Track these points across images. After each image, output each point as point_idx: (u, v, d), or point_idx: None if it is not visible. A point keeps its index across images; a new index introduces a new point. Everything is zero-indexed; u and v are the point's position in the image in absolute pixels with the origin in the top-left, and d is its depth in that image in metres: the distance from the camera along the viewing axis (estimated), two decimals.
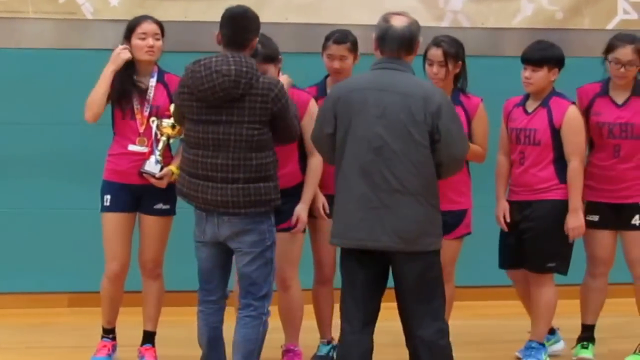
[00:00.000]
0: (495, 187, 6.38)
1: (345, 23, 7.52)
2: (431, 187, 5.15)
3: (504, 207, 6.26)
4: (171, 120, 5.97)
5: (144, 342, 6.29)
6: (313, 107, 6.02)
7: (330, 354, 6.35)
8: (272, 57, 5.89)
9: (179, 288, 6.67)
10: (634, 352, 6.47)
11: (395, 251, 5.11)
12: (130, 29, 6.07)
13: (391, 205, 5.07)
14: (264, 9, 7.72)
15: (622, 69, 6.22)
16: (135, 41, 6.05)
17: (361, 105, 5.12)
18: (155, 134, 6.05)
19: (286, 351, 6.31)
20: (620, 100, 6.32)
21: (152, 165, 6.02)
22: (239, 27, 5.40)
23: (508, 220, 6.25)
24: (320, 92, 6.28)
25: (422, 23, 7.69)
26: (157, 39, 6.07)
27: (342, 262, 5.30)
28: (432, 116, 5.07)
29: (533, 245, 6.19)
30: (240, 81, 5.28)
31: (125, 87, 6.03)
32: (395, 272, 5.19)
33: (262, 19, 7.85)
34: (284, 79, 5.77)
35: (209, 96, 5.31)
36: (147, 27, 6.06)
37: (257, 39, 5.47)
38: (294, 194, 6.03)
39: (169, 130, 6.03)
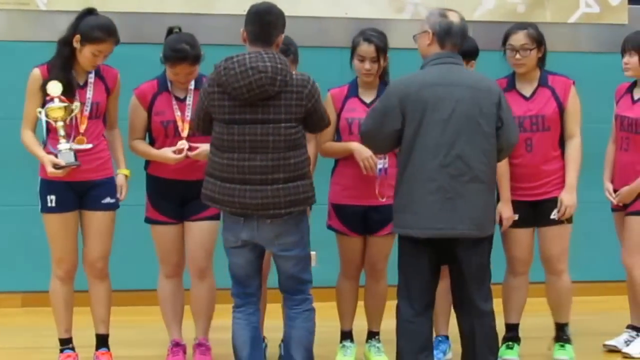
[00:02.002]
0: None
1: (304, 15, 7.50)
2: (495, 174, 5.52)
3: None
4: (57, 104, 5.78)
5: (98, 346, 6.17)
6: None
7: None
8: (200, 57, 5.98)
9: (127, 287, 6.56)
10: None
11: (469, 237, 5.38)
12: (90, 38, 5.80)
13: (465, 194, 5.35)
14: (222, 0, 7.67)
15: (517, 55, 6.19)
16: (87, 52, 5.82)
17: (434, 102, 5.33)
18: (48, 123, 5.82)
19: (198, 345, 6.25)
20: (527, 92, 6.27)
21: (67, 156, 5.79)
22: (265, 23, 5.32)
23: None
24: None
25: (383, 15, 7.87)
26: (106, 57, 5.89)
27: (407, 250, 5.46)
28: (496, 106, 5.40)
29: None
30: (276, 78, 5.20)
31: (69, 83, 5.83)
32: (458, 257, 5.44)
33: (219, 10, 7.86)
34: None
35: (245, 93, 5.20)
36: (107, 48, 5.85)
37: (283, 35, 5.38)
38: None
39: (60, 114, 5.79)
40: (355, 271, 6.36)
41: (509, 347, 6.41)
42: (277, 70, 5.21)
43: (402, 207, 5.44)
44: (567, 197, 6.23)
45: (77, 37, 5.82)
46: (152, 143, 6.15)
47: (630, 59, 6.44)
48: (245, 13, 7.20)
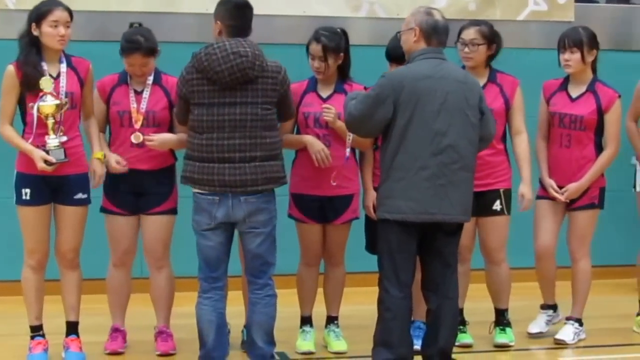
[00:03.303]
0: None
1: (266, 13, 7.66)
2: (476, 163, 5.82)
3: (374, 196, 6.31)
4: (50, 101, 5.91)
5: (68, 333, 6.29)
6: None
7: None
8: (154, 50, 6.17)
9: (96, 276, 6.69)
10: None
11: (457, 223, 5.72)
12: (41, 15, 5.95)
13: (455, 181, 5.66)
14: None
15: (466, 49, 6.46)
16: (46, 28, 5.94)
17: (427, 93, 5.64)
18: (39, 119, 5.93)
19: (160, 333, 6.45)
20: None
21: (57, 153, 5.94)
22: (246, 17, 5.65)
23: None
24: None
25: (339, 14, 8.00)
26: (68, 27, 5.98)
27: (396, 235, 5.69)
28: (479, 99, 5.76)
29: None
30: (255, 62, 5.52)
31: (36, 76, 5.93)
32: (440, 241, 5.76)
33: (182, 9, 7.96)
34: None
35: (226, 77, 5.49)
36: (60, 14, 5.96)
37: None
38: (166, 175, 6.29)
39: (51, 110, 5.92)
40: (315, 259, 6.53)
41: (462, 332, 6.62)
42: (255, 55, 5.52)
43: (393, 193, 5.67)
44: (528, 191, 6.51)
45: (33, 25, 5.95)
46: (110, 133, 6.34)
47: (572, 56, 6.58)
48: (207, 12, 7.40)
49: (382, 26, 6.91)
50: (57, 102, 5.93)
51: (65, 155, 5.96)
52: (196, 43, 6.31)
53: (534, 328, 6.84)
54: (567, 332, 6.77)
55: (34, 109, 5.92)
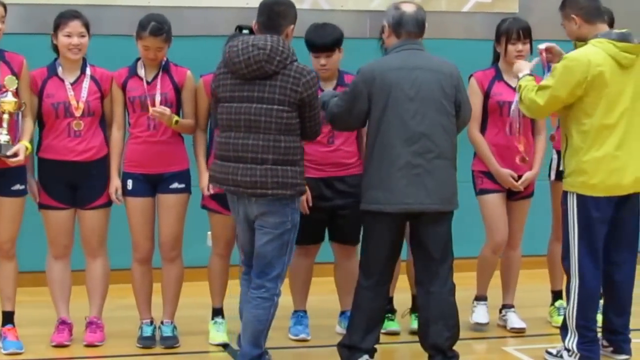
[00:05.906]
0: None
1: (209, 5, 7.63)
2: (456, 151, 5.84)
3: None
4: (9, 97, 6.01)
5: (4, 322, 6.35)
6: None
7: (154, 333, 6.50)
8: (89, 27, 6.22)
9: (33, 269, 6.69)
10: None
11: (436, 212, 5.70)
12: None
13: (432, 170, 5.70)
14: None
15: None
16: None
17: (399, 84, 5.71)
18: None
19: (90, 323, 6.47)
20: None
21: (6, 148, 6.02)
22: (273, 13, 5.63)
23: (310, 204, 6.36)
24: (131, 72, 6.38)
25: None
26: (2, 21, 6.06)
27: (371, 226, 5.76)
28: (455, 89, 5.81)
29: (352, 218, 6.30)
30: (274, 57, 5.49)
31: None
32: (423, 232, 5.78)
33: (126, 2, 7.89)
34: None
35: (243, 69, 5.50)
36: None
37: (293, 26, 5.67)
38: (100, 167, 6.31)
39: (9, 107, 6.02)
40: (227, 249, 6.50)
41: (390, 319, 6.68)
42: (277, 50, 5.50)
43: (371, 184, 5.74)
44: None
45: None
46: (42, 126, 6.32)
47: (525, 47, 6.62)
48: (149, 4, 7.41)
49: (325, 18, 6.89)
50: (16, 100, 6.03)
51: (11, 147, 6.02)
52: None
53: (482, 318, 6.85)
54: (517, 320, 6.86)
55: None
